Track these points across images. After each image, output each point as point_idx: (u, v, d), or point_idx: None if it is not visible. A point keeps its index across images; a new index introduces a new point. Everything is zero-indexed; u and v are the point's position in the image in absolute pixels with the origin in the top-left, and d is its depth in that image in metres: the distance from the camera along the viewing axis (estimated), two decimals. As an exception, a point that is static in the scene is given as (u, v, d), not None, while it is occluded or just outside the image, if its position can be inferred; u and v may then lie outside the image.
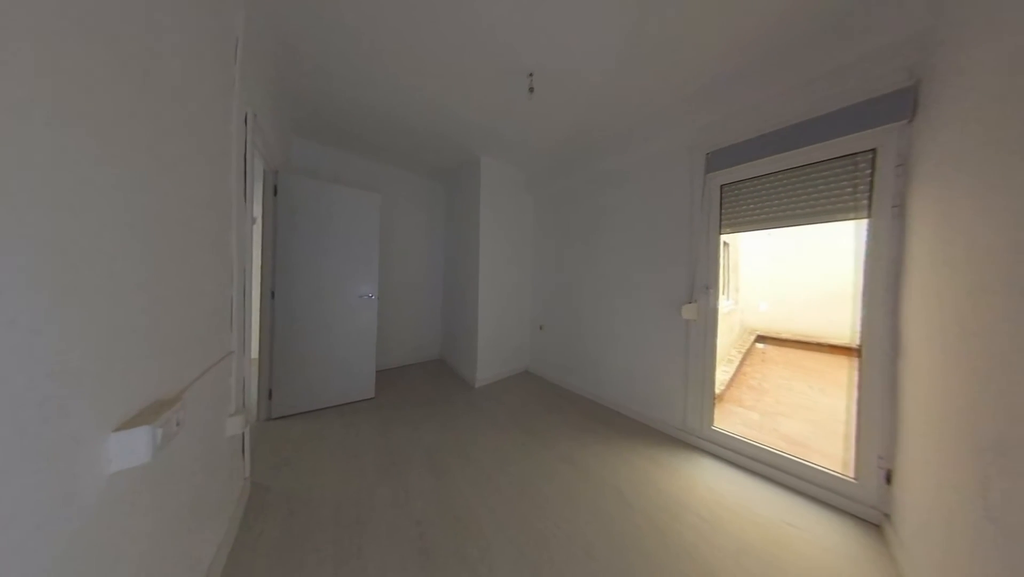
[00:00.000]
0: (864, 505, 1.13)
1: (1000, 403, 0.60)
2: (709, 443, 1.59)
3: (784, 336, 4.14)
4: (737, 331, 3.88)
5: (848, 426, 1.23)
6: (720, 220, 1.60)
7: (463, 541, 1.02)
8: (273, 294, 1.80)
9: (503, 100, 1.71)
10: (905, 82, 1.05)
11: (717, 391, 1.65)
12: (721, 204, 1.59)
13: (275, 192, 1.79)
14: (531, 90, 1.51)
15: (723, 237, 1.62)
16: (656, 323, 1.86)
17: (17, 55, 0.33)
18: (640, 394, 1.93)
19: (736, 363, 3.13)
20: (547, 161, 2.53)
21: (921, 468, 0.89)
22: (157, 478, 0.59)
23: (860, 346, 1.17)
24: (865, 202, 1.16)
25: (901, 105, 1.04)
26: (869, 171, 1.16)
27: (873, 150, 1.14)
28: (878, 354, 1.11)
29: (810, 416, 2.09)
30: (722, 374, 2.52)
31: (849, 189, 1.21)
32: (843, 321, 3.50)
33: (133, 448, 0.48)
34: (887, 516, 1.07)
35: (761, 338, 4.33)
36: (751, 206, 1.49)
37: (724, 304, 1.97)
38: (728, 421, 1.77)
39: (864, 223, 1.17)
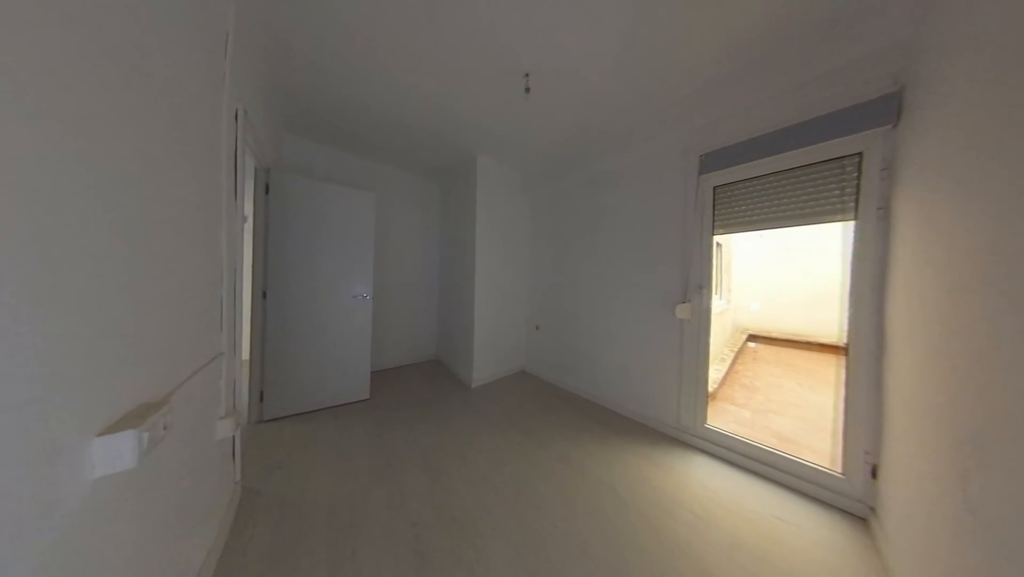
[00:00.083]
0: (851, 499, 1.16)
1: (979, 399, 0.63)
2: (703, 441, 1.61)
3: (775, 335, 4.23)
4: (729, 330, 3.95)
5: (836, 422, 1.26)
6: (713, 221, 1.62)
7: (459, 542, 1.02)
8: (265, 294, 1.77)
9: (500, 100, 1.71)
10: (890, 88, 1.08)
11: (710, 389, 1.68)
12: (714, 205, 1.62)
13: (267, 190, 1.76)
14: (527, 90, 1.51)
15: (716, 238, 1.65)
16: (651, 323, 1.88)
17: (-6, 46, 0.32)
18: (635, 393, 1.95)
19: (729, 362, 3.19)
20: (543, 162, 2.53)
21: (904, 462, 0.92)
22: (143, 483, 0.58)
23: (847, 344, 1.20)
24: (852, 204, 1.20)
25: (886, 110, 1.07)
26: (856, 174, 1.19)
27: (860, 154, 1.18)
28: (864, 352, 1.14)
29: (800, 413, 2.14)
30: (715, 373, 2.56)
31: (837, 192, 1.24)
32: (831, 320, 3.59)
33: (118, 453, 0.47)
34: (873, 510, 1.10)
35: (753, 337, 4.41)
36: (743, 207, 1.52)
37: (717, 304, 2.01)
38: (721, 419, 1.80)
39: (851, 225, 1.20)
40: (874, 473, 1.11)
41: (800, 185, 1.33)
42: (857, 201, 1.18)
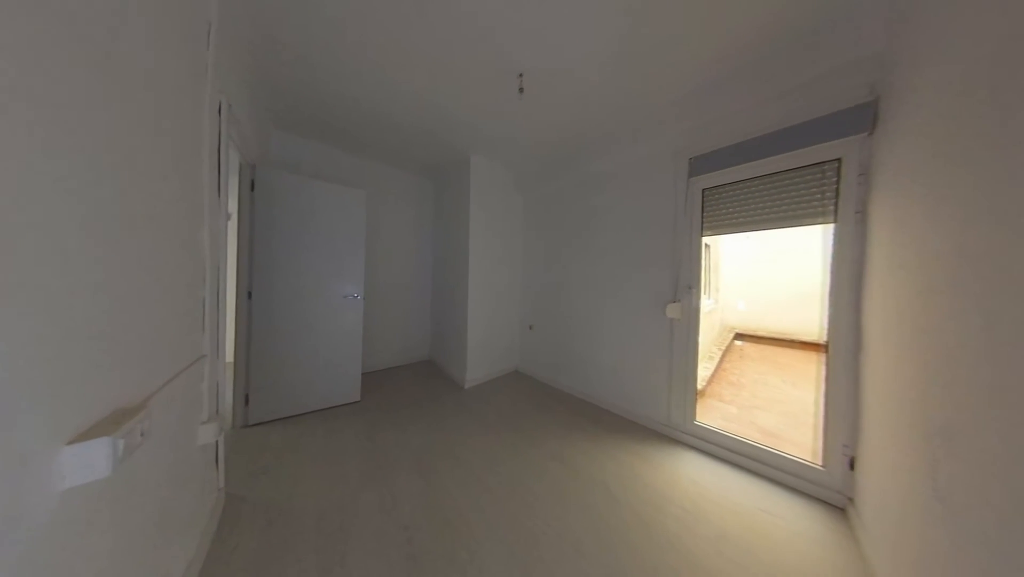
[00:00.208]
0: (831, 490, 1.21)
1: (947, 393, 0.66)
2: (692, 437, 1.65)
3: (760, 333, 4.37)
4: (717, 329, 4.06)
5: (817, 417, 1.32)
6: (702, 223, 1.66)
7: (452, 544, 1.01)
8: (250, 294, 1.71)
9: (493, 99, 1.70)
10: (866, 97, 1.13)
11: (699, 387, 1.72)
12: (703, 207, 1.66)
13: (252, 186, 1.70)
14: (521, 90, 1.51)
15: (704, 239, 1.69)
16: (642, 322, 1.91)
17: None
18: (627, 391, 1.98)
19: (716, 360, 3.27)
20: (537, 162, 2.54)
21: (880, 454, 0.96)
22: (119, 493, 0.55)
23: (827, 342, 1.25)
24: (832, 208, 1.25)
25: (862, 118, 1.12)
26: (835, 179, 1.24)
27: (839, 160, 1.23)
28: (843, 350, 1.19)
29: (783, 409, 2.21)
30: (703, 370, 2.62)
31: (818, 196, 1.29)
32: (813, 319, 3.74)
33: (90, 462, 0.44)
34: (851, 500, 1.15)
35: (739, 335, 4.55)
36: (731, 210, 1.57)
37: (706, 303, 2.05)
38: (709, 415, 1.84)
39: (831, 228, 1.25)
40: (852, 465, 1.16)
41: (784, 189, 1.38)
42: (836, 205, 1.23)
